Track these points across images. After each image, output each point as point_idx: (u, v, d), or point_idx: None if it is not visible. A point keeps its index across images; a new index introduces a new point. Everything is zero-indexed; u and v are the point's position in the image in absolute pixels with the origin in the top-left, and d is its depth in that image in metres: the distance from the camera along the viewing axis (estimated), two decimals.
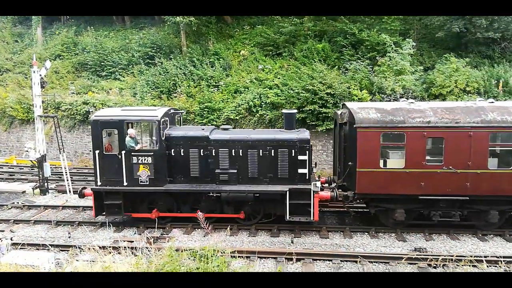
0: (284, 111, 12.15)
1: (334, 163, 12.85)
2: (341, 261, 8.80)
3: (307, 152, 10.63)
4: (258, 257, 8.69)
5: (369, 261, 8.71)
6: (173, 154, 10.80)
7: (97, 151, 10.68)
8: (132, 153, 10.62)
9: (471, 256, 6.94)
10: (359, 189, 10.37)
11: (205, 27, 24.31)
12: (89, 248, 7.40)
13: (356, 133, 10.12)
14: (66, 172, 14.74)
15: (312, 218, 10.47)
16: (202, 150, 10.78)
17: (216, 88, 20.47)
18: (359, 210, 12.28)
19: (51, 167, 15.47)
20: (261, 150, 10.75)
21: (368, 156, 10.18)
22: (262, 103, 18.64)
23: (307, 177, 10.70)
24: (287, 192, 10.39)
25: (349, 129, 10.73)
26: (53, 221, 11.70)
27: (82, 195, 11.47)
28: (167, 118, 11.10)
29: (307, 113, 17.41)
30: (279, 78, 19.70)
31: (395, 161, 10.39)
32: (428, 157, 10.14)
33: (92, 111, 20.51)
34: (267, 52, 22.15)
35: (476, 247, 9.81)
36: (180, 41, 23.98)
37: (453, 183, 10.02)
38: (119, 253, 7.01)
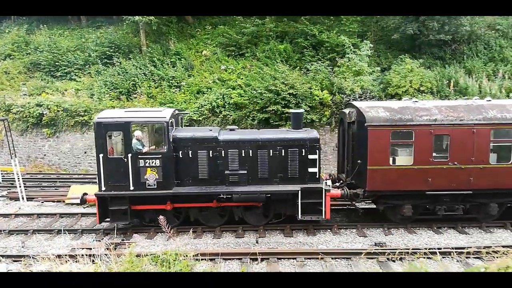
0: (291, 110, 12.17)
1: (338, 162, 12.87)
2: (304, 258, 8.94)
3: (317, 151, 10.66)
4: (223, 258, 8.64)
5: (331, 258, 8.92)
6: (180, 156, 10.41)
7: (101, 155, 10.02)
8: (139, 156, 10.15)
9: (425, 249, 7.25)
10: (370, 186, 10.52)
11: (166, 26, 23.88)
12: (43, 258, 7.03)
13: (367, 131, 10.29)
14: (18, 178, 13.95)
15: (323, 217, 10.48)
16: (211, 151, 10.48)
17: (178, 89, 20.16)
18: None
19: (2, 173, 14.60)
20: (271, 150, 10.63)
21: (378, 154, 10.39)
22: (226, 104, 18.58)
23: (317, 176, 10.75)
24: (299, 192, 10.35)
25: (357, 128, 10.95)
26: (5, 230, 11.03)
27: (84, 202, 11.01)
28: (173, 120, 10.76)
29: (270, 114, 17.55)
30: (242, 78, 19.73)
31: (404, 158, 10.67)
32: (434, 154, 10.49)
33: (46, 113, 19.54)
34: (230, 52, 22.12)
35: (431, 240, 10.31)
36: (140, 40, 23.38)
37: (458, 178, 10.43)
38: (77, 261, 6.72)
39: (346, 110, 11.57)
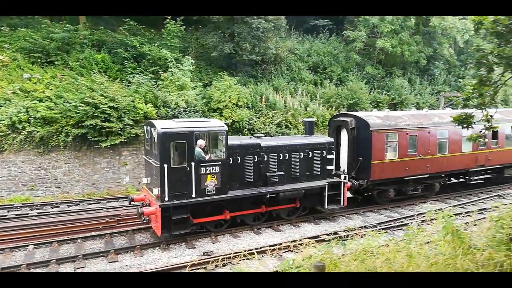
0: (305, 119, 14.26)
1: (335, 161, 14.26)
2: None
3: (333, 152, 13.23)
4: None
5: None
6: (231, 162, 11.15)
7: (165, 165, 10.03)
8: (201, 164, 10.55)
9: (245, 251, 7.79)
10: (373, 176, 13.74)
11: None
12: None
13: (371, 134, 13.49)
14: None
15: (342, 204, 13.09)
16: (255, 157, 11.66)
17: None
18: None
19: None
20: (301, 153, 12.51)
21: (378, 152, 13.75)
22: (30, 118, 15.93)
23: (333, 172, 13.24)
24: (326, 185, 12.70)
25: (357, 132, 13.94)
26: None
27: (142, 215, 10.60)
28: None
29: (88, 129, 15.96)
30: (51, 89, 17.33)
31: (391, 154, 14.13)
32: (409, 149, 14.35)
33: None
34: (35, 59, 19.14)
35: (252, 241, 11.21)
36: None
37: (422, 166, 14.68)
38: None
39: (347, 119, 14.19)
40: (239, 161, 11.42)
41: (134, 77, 18.85)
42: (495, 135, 16.36)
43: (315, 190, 12.68)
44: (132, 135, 16.84)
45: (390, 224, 12.63)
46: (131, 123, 16.76)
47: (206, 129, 11.02)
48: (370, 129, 13.53)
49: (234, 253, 8.46)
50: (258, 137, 12.54)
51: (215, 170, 10.77)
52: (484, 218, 10.90)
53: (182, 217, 10.43)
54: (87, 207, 14.44)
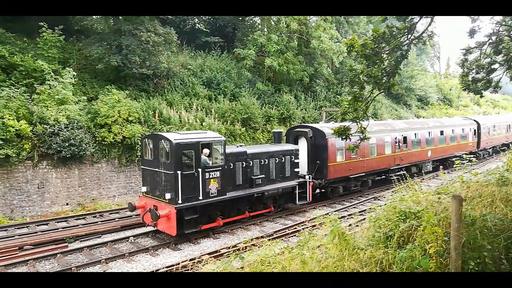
0: (274, 130, 17.01)
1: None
2: None
3: (298, 156, 15.89)
4: None
5: None
6: (225, 167, 12.71)
7: (178, 172, 11.33)
8: (206, 170, 12.02)
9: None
10: (329, 176, 16.80)
11: None
12: None
13: (327, 141, 16.53)
14: None
15: (308, 200, 15.81)
16: (243, 163, 13.43)
17: None
18: None
19: None
20: (276, 158, 14.78)
21: (332, 155, 16.82)
22: None
23: (299, 174, 15.87)
24: (297, 185, 15.32)
25: (314, 140, 16.75)
26: None
27: (157, 218, 11.27)
28: None
29: None
30: None
31: (340, 157, 17.28)
32: (352, 154, 16.43)
33: None
34: None
35: (149, 263, 10.62)
36: None
37: (359, 167, 18.30)
38: None
39: (306, 130, 17.00)
40: (231, 167, 13.16)
41: (2, 90, 16.43)
42: (405, 140, 21.14)
43: (288, 189, 15.16)
44: (1, 156, 14.60)
45: (285, 231, 13.26)
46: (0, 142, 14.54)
47: (209, 139, 12.39)
48: (326, 137, 16.50)
49: None
50: (240, 145, 14.52)
51: (216, 175, 12.37)
52: (364, 219, 12.21)
53: (192, 217, 11.88)
54: None
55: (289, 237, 12.72)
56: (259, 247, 6.64)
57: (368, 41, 7.93)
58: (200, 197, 11.90)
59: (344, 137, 8.78)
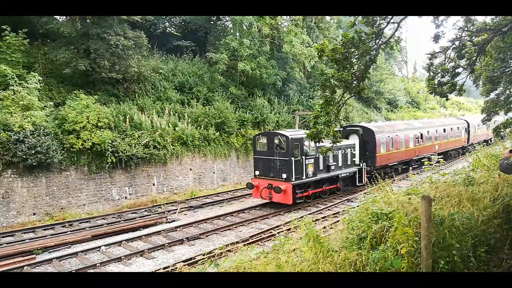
0: (336, 129, 18.40)
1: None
2: None
3: (357, 148, 20.74)
4: None
5: None
6: (316, 156, 17.54)
7: (292, 158, 16.26)
8: (306, 157, 17.00)
9: None
10: (377, 164, 21.29)
11: None
12: None
13: (375, 137, 21.19)
14: None
15: (363, 182, 19.72)
16: (325, 153, 14.77)
17: None
18: None
19: None
20: (343, 150, 19.28)
21: (378, 148, 21.36)
22: None
23: (356, 162, 20.60)
24: (357, 171, 20.26)
25: (364, 137, 21.32)
26: None
27: (279, 191, 15.99)
28: None
29: None
30: None
31: (382, 149, 21.87)
32: (390, 147, 22.42)
33: None
34: None
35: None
36: None
37: (394, 157, 23.07)
38: None
39: (356, 128, 21.87)
40: (317, 156, 17.49)
41: None
42: (421, 136, 26.03)
43: (351, 173, 19.99)
44: None
45: (261, 236, 13.24)
46: None
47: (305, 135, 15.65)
48: (375, 134, 21.29)
49: None
50: None
51: (311, 161, 17.19)
52: (338, 221, 12.37)
53: (300, 191, 16.93)
54: None
55: (264, 242, 12.71)
56: (235, 253, 6.58)
57: (338, 46, 8.07)
58: (303, 177, 16.87)
59: (317, 140, 8.89)
